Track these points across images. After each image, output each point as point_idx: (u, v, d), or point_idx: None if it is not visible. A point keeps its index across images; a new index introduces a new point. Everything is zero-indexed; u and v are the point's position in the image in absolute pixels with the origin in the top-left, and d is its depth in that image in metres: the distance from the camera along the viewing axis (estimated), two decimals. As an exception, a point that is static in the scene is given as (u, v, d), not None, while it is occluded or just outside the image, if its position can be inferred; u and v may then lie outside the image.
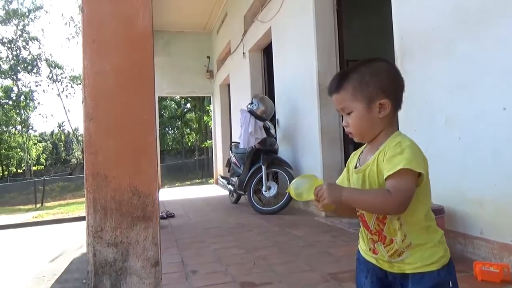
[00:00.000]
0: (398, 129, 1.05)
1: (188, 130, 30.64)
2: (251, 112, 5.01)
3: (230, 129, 9.42)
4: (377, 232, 1.02)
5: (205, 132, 25.40)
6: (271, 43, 5.91)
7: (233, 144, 6.00)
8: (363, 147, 1.11)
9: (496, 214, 2.17)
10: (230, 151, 5.95)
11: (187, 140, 31.69)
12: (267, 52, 6.68)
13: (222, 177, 6.37)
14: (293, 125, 5.14)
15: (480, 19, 2.24)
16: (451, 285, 0.98)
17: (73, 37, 24.86)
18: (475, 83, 2.27)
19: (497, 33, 2.14)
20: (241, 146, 5.11)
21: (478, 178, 2.23)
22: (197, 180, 19.73)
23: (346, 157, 4.39)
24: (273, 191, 4.84)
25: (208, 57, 10.36)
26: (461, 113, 2.40)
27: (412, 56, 2.77)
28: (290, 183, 1.06)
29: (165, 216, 4.79)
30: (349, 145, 4.50)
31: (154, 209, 1.54)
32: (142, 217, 1.45)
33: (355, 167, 1.07)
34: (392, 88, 1.01)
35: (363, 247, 1.11)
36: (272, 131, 5.28)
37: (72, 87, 27.12)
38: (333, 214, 1.04)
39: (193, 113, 27.65)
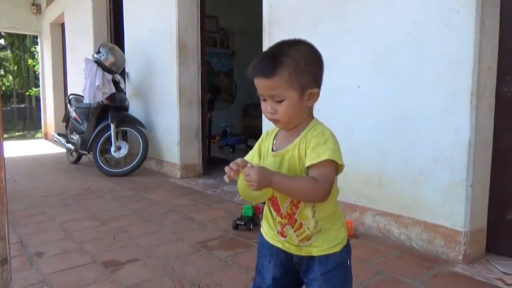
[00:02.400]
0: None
1: (2, 71, 25.41)
2: (98, 63, 4.40)
3: (65, 77, 8.20)
4: (288, 216, 1.01)
5: (28, 77, 21.55)
6: (120, -17, 5.23)
7: (72, 96, 5.23)
8: (276, 129, 1.06)
9: (343, 179, 2.45)
10: (69, 105, 5.18)
11: (1, 83, 26.36)
12: (114, -7, 5.91)
13: (59, 134, 5.55)
14: (146, 80, 4.77)
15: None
16: (349, 263, 1.06)
17: None
18: (336, 60, 2.46)
19: (358, 15, 2.34)
20: (85, 100, 4.49)
21: (333, 147, 2.49)
22: (18, 133, 16.84)
23: (203, 116, 4.35)
24: (123, 151, 4.48)
25: (34, -14, 8.59)
26: (322, 87, 2.59)
27: (281, 26, 2.82)
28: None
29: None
30: (205, 104, 4.47)
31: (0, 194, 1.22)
32: (-19, 206, 1.12)
33: (272, 150, 1.03)
34: (321, 76, 0.99)
35: (268, 232, 1.09)
36: (122, 85, 4.80)
37: None
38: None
39: (10, 51, 22.96)
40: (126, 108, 4.70)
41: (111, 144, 4.44)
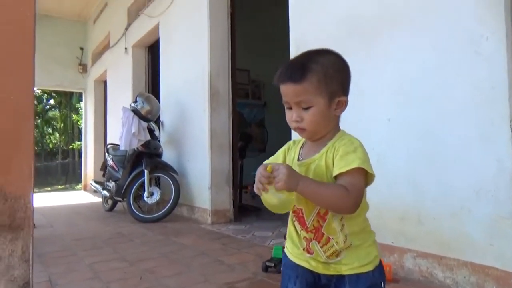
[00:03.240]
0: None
1: (50, 129, 27.17)
2: (135, 112, 4.62)
3: (105, 129, 8.63)
4: (314, 229, 0.95)
5: (72, 133, 22.88)
6: (157, 40, 5.59)
7: (110, 146, 5.46)
8: (302, 139, 1.03)
9: (378, 218, 2.34)
10: (106, 153, 5.39)
11: (49, 141, 28.07)
12: (152, 49, 6.32)
13: (96, 182, 5.73)
14: (180, 128, 4.91)
15: (370, 31, 2.43)
16: (383, 285, 0.96)
17: None
18: (365, 94, 2.44)
19: (386, 46, 2.34)
20: (121, 147, 4.66)
21: (365, 183, 2.39)
22: (60, 186, 17.56)
23: (234, 162, 4.37)
24: (156, 197, 4.52)
25: (82, 48, 9.36)
26: (351, 121, 2.54)
27: (308, 66, 2.86)
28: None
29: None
30: (236, 151, 4.50)
31: (27, 216, 1.22)
32: (8, 226, 1.13)
33: (298, 160, 1.00)
34: (349, 85, 0.97)
35: (292, 250, 1.02)
36: (157, 133, 4.96)
37: None
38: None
39: (58, 110, 24.67)
40: (160, 155, 4.81)
41: (144, 190, 4.50)
